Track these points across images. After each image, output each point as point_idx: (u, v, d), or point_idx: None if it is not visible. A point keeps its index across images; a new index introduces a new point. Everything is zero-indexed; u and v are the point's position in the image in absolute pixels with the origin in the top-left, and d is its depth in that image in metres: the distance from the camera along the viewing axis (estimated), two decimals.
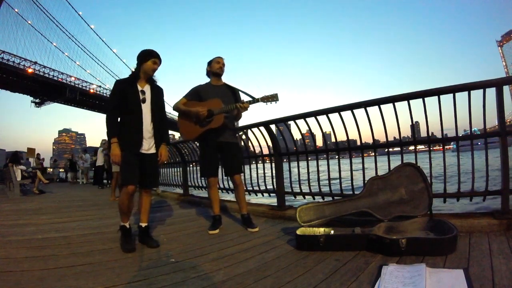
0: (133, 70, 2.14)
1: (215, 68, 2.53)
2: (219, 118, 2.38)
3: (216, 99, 2.40)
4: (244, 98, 2.49)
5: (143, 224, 2.15)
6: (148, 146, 2.09)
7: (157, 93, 2.16)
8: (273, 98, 2.27)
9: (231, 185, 3.64)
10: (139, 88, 2.09)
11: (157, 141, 2.14)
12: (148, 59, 2.07)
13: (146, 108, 2.08)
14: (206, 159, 2.54)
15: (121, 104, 2.03)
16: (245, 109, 2.36)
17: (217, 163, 2.59)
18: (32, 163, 12.41)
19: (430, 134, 2.35)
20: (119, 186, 5.05)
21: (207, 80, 2.62)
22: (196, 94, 2.54)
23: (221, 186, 3.75)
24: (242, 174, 3.07)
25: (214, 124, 2.39)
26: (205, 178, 2.57)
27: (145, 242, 2.09)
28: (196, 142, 4.57)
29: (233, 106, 2.34)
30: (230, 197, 3.74)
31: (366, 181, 2.11)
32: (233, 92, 2.53)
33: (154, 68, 2.10)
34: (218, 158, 2.58)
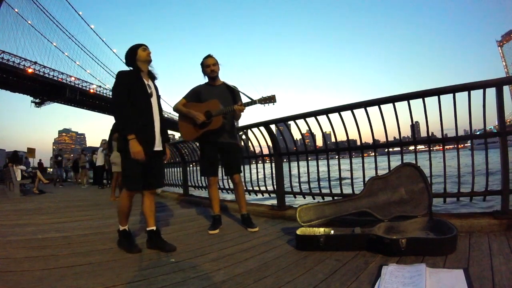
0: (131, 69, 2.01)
1: (206, 73, 2.51)
2: (218, 120, 2.38)
3: (215, 100, 2.40)
4: (243, 98, 2.48)
5: (153, 228, 2.01)
6: (158, 143, 2.00)
7: (157, 90, 2.08)
8: (270, 99, 2.26)
9: (231, 185, 3.66)
10: (145, 82, 1.98)
11: (163, 138, 2.07)
12: (137, 50, 1.97)
13: (153, 103, 1.99)
14: (206, 159, 2.55)
15: (128, 98, 1.89)
16: (241, 110, 2.36)
17: (217, 163, 2.61)
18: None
19: (430, 134, 2.35)
20: (119, 186, 5.05)
21: (206, 79, 2.59)
22: (195, 95, 2.54)
23: (221, 186, 3.75)
24: (242, 174, 3.06)
25: (213, 126, 2.39)
26: (205, 178, 2.57)
27: (160, 247, 1.95)
28: (196, 143, 4.57)
29: (231, 108, 2.34)
30: (230, 197, 3.74)
31: (366, 181, 2.11)
32: (232, 92, 2.52)
33: (149, 53, 1.99)
34: (218, 158, 2.59)
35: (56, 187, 9.68)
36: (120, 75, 1.94)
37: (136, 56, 1.97)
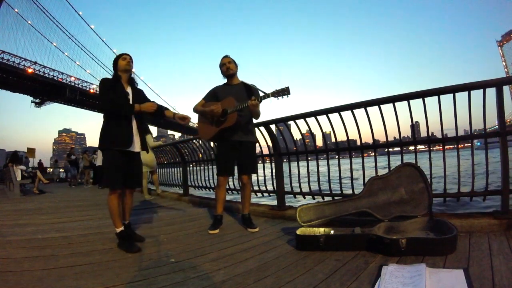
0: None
1: (222, 72, 2.54)
2: (233, 116, 2.36)
3: (230, 97, 2.39)
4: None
5: (125, 222, 2.21)
6: (136, 144, 2.13)
7: (138, 94, 2.21)
8: (284, 92, 2.17)
9: (232, 185, 3.66)
10: (124, 90, 2.14)
11: (142, 140, 2.17)
12: (118, 60, 2.17)
13: None
14: (220, 158, 2.55)
15: None
16: (254, 106, 2.28)
17: (232, 162, 2.57)
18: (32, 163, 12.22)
19: (430, 134, 2.35)
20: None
21: (225, 80, 2.59)
22: (213, 95, 2.55)
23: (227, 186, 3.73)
24: None
25: (228, 123, 2.38)
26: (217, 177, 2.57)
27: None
28: (197, 142, 4.57)
29: (245, 104, 2.30)
30: (230, 197, 3.74)
31: (366, 181, 2.11)
32: (249, 90, 2.48)
33: (127, 62, 2.16)
34: (234, 157, 2.55)
35: (71, 188, 9.59)
36: (102, 82, 2.12)
37: (117, 66, 2.16)
